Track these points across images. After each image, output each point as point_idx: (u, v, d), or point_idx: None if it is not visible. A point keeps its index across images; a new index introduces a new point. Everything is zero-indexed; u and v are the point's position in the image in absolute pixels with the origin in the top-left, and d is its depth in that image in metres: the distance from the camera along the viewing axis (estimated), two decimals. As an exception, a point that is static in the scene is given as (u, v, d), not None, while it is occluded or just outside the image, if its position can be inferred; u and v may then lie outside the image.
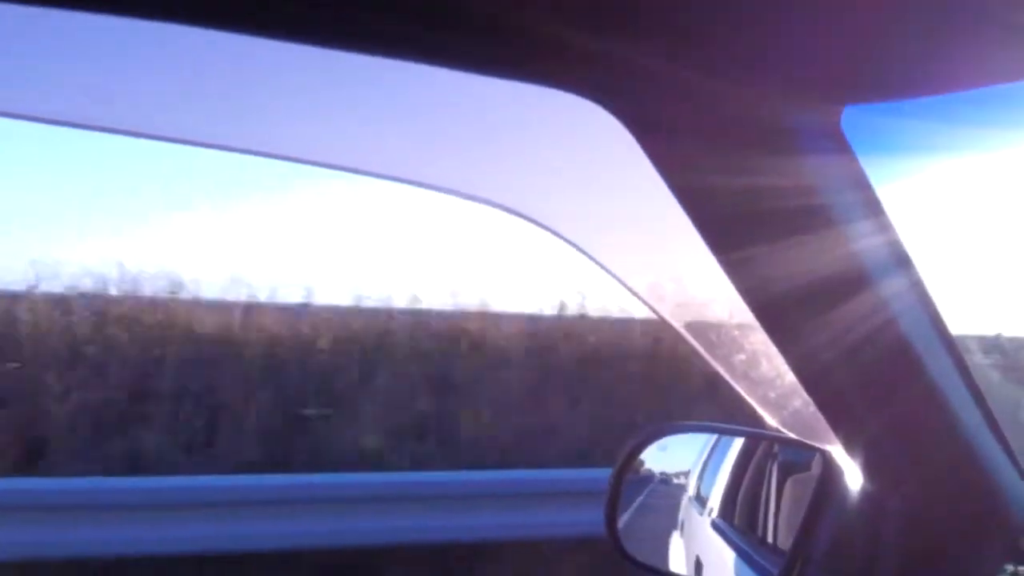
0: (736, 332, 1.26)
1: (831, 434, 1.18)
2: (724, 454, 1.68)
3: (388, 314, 7.85)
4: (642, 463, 1.59)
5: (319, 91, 1.02)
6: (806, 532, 1.25)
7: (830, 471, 1.22)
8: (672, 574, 1.58)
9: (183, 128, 1.06)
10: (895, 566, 1.15)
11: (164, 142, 1.06)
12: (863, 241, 1.05)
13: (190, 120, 1.09)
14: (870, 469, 1.13)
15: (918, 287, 1.08)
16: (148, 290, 7.34)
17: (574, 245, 1.23)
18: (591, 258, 1.30)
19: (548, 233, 1.22)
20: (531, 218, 1.21)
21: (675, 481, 1.75)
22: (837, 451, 1.20)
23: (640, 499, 1.65)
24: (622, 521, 1.56)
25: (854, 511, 1.17)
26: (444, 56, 0.92)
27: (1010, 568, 1.07)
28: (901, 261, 1.07)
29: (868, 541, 1.16)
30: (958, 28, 0.88)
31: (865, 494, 1.15)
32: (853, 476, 1.18)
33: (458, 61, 0.93)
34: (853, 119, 0.97)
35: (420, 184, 1.12)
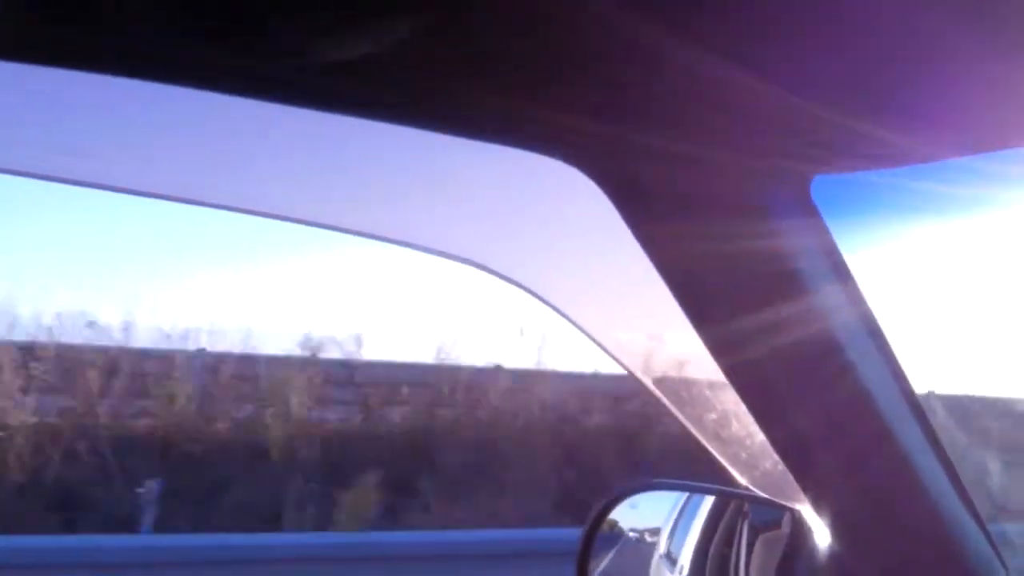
0: (708, 391, 1.28)
1: (800, 493, 1.20)
2: (695, 512, 1.68)
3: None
4: (615, 522, 1.60)
5: (301, 153, 1.04)
6: (777, 591, 1.26)
7: (799, 531, 1.24)
8: (644, 633, 1.57)
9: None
10: None
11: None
12: (832, 306, 1.08)
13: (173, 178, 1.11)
14: (838, 530, 1.15)
15: (885, 351, 1.11)
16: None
17: (548, 303, 1.25)
18: (565, 316, 1.32)
19: (522, 291, 1.24)
20: (506, 277, 1.23)
21: (646, 539, 1.76)
22: (806, 510, 1.21)
23: (610, 556, 1.64)
24: (593, 578, 1.55)
25: (823, 571, 1.18)
26: (428, 121, 0.95)
27: None
28: (869, 326, 1.10)
29: None
30: (923, 103, 0.92)
31: (833, 554, 1.16)
32: (822, 536, 1.19)
33: (441, 126, 0.95)
34: (823, 187, 1.00)
35: (401, 243, 1.13)
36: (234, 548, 5.04)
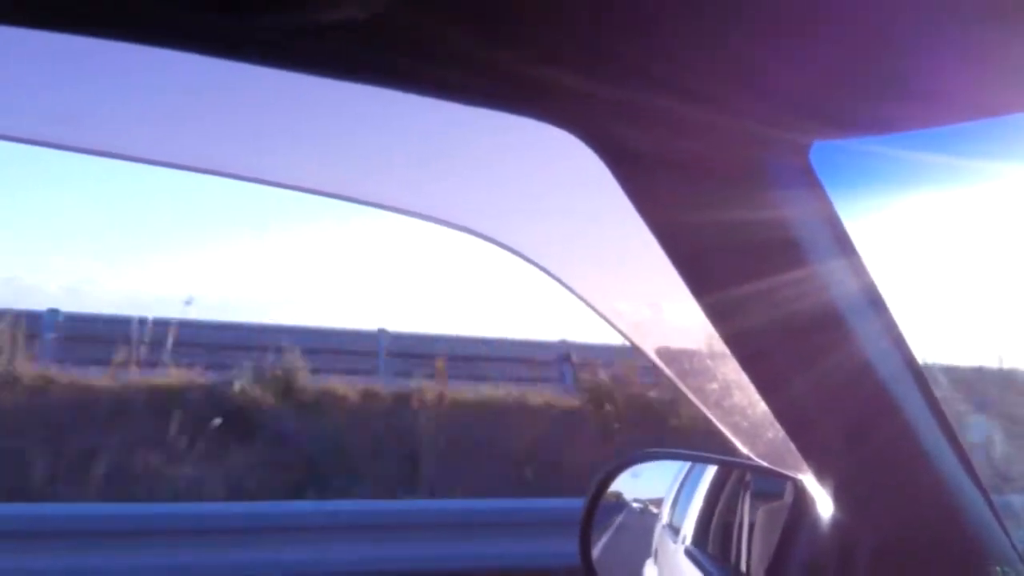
0: (709, 361, 1.27)
1: (802, 463, 1.19)
2: (697, 482, 1.68)
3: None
4: (618, 493, 1.60)
5: (299, 118, 1.03)
6: (778, 560, 1.26)
7: (801, 500, 1.23)
8: (646, 601, 1.58)
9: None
10: None
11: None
12: (833, 274, 1.07)
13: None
14: (840, 498, 1.14)
15: (886, 319, 1.10)
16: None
17: (548, 272, 1.24)
18: (565, 285, 1.31)
19: (520, 259, 1.23)
20: (504, 244, 1.22)
21: (650, 510, 1.76)
22: (808, 480, 1.21)
23: (614, 527, 1.65)
24: (596, 550, 1.56)
25: (825, 540, 1.18)
26: (423, 85, 0.93)
27: None
28: (870, 294, 1.08)
29: (839, 570, 1.17)
30: (924, 67, 0.90)
31: (836, 523, 1.16)
32: (824, 505, 1.19)
33: (436, 90, 0.94)
34: (822, 154, 0.98)
35: (396, 209, 1.12)
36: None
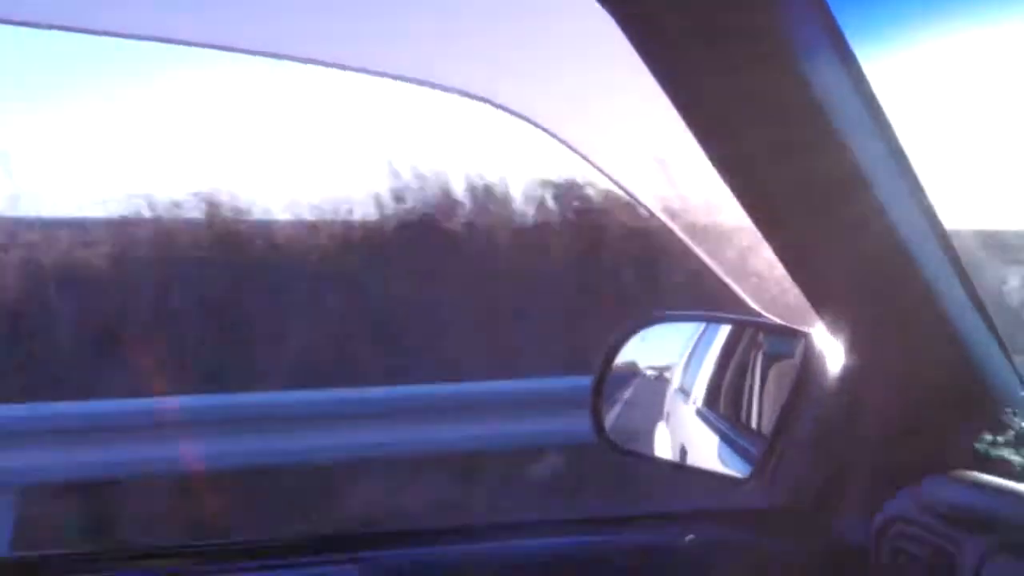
0: (723, 221, 1.27)
1: (814, 316, 1.20)
2: (708, 346, 1.70)
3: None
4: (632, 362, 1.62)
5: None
6: (789, 411, 1.29)
7: (812, 353, 1.25)
8: (658, 458, 1.62)
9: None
10: (875, 436, 1.18)
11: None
12: (849, 123, 1.05)
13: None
14: (852, 346, 1.16)
15: (905, 170, 1.09)
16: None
17: (563, 141, 1.23)
18: (575, 150, 1.30)
19: (531, 125, 1.21)
20: (515, 111, 1.20)
21: (661, 374, 1.79)
22: (820, 333, 1.23)
23: (626, 395, 1.68)
24: (609, 418, 1.59)
25: (834, 390, 1.20)
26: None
27: (988, 438, 1.11)
28: (888, 141, 1.07)
29: (849, 415, 1.19)
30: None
31: (846, 372, 1.18)
32: (834, 358, 1.21)
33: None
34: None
35: (411, 80, 1.10)
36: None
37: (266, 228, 7.06)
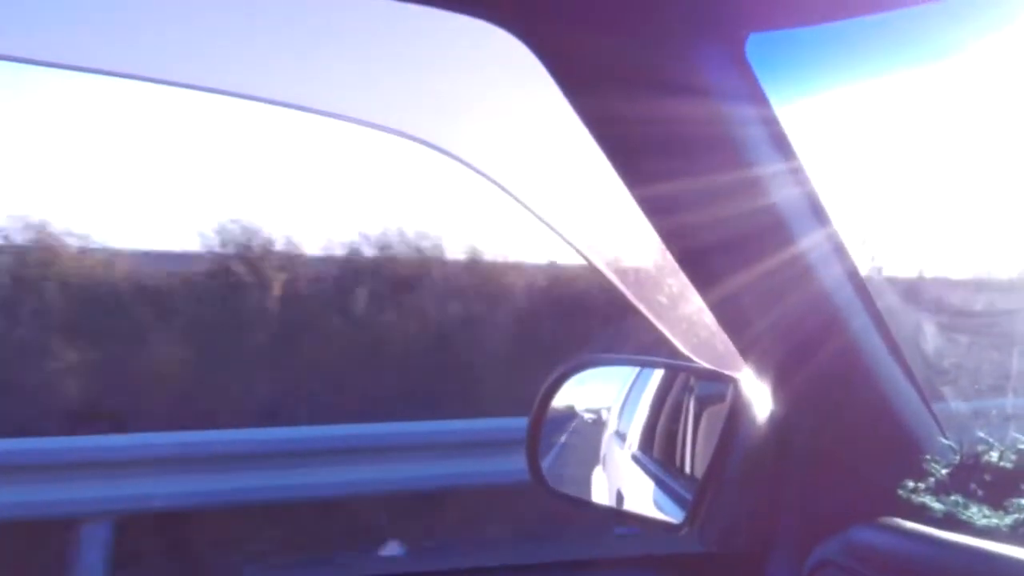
0: (652, 267, 1.28)
1: (741, 362, 1.21)
2: (643, 390, 1.71)
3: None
4: (570, 405, 1.62)
5: (226, 19, 0.99)
6: (719, 456, 1.29)
7: (740, 398, 1.26)
8: (594, 503, 1.61)
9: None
10: (803, 482, 1.19)
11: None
12: (770, 173, 1.07)
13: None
14: (777, 393, 1.16)
15: (823, 218, 1.11)
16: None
17: (487, 176, 1.23)
18: (504, 189, 1.29)
19: (459, 163, 1.21)
20: (442, 148, 1.20)
21: (599, 417, 1.78)
22: (747, 378, 1.23)
23: (562, 439, 1.67)
24: (546, 461, 1.58)
25: (762, 434, 1.21)
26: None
27: (910, 484, 1.12)
28: (807, 192, 1.09)
29: (777, 461, 1.20)
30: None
31: (773, 417, 1.18)
32: (762, 401, 1.21)
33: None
34: (759, 47, 0.98)
35: (333, 115, 1.10)
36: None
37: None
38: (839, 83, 1.10)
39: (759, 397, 1.22)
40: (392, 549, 4.88)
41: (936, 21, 0.95)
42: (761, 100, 1.02)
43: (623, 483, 1.71)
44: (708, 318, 1.20)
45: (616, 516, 1.60)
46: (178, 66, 1.04)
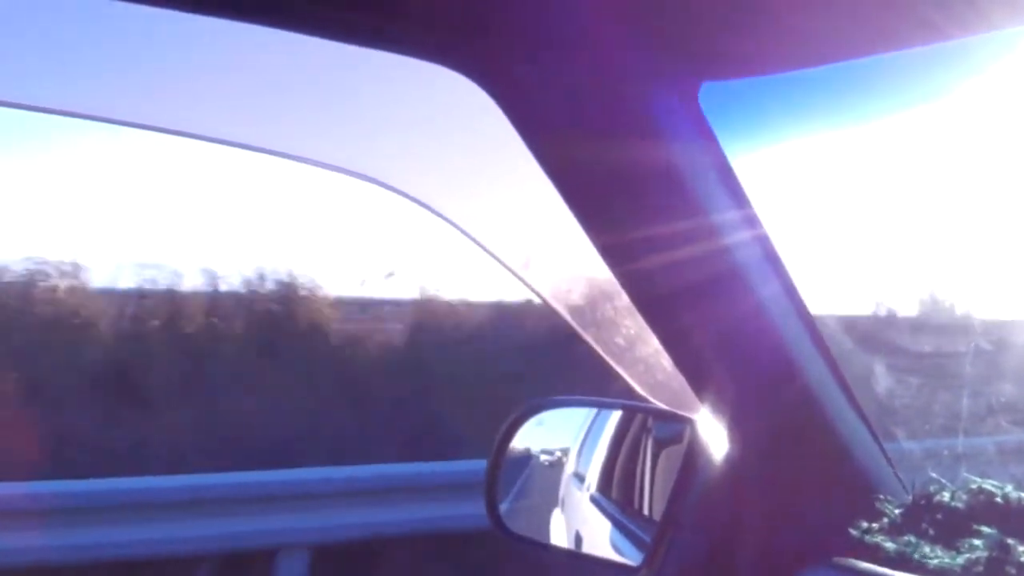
0: (610, 308, 1.29)
1: (697, 404, 1.22)
2: (601, 431, 1.71)
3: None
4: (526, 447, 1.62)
5: (182, 57, 0.99)
6: (677, 498, 1.29)
7: (696, 439, 1.27)
8: (553, 546, 1.60)
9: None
10: (758, 523, 1.19)
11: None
12: (724, 218, 1.09)
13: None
14: (732, 434, 1.17)
15: (774, 262, 1.13)
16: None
17: (444, 218, 1.24)
18: (470, 236, 1.30)
19: (417, 205, 1.22)
20: (404, 192, 1.21)
21: (557, 459, 1.78)
22: (703, 419, 1.24)
23: (520, 481, 1.67)
24: (504, 503, 1.57)
25: (719, 474, 1.21)
26: (313, 24, 0.91)
27: (864, 524, 1.13)
28: (759, 237, 1.11)
29: (733, 502, 1.20)
30: (813, 4, 0.92)
31: (728, 458, 1.19)
32: (718, 443, 1.22)
33: (327, 31, 0.92)
34: (711, 96, 1.00)
35: (287, 156, 1.10)
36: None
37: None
38: (792, 133, 1.13)
39: (716, 438, 1.23)
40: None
41: (889, 73, 0.98)
42: (714, 147, 1.04)
43: (582, 525, 1.71)
44: (665, 360, 1.21)
45: (574, 559, 1.59)
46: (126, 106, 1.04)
